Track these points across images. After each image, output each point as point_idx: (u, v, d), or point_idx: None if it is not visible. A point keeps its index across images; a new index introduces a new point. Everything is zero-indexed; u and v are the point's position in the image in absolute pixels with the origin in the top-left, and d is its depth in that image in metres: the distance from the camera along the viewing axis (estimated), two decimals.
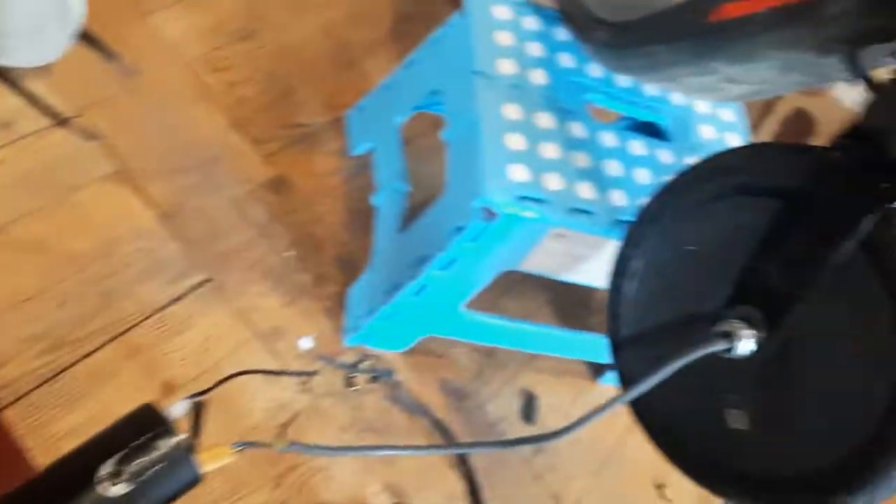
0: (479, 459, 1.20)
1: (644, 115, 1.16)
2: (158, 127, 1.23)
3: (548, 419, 1.30)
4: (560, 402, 1.33)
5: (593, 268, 1.09)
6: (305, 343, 1.00)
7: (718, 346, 0.83)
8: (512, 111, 1.02)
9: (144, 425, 0.78)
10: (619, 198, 1.04)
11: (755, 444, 0.86)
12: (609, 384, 1.36)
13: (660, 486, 1.34)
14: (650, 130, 1.20)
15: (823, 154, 0.79)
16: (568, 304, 1.42)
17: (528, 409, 1.29)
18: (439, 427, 1.19)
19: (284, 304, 1.17)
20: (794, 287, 0.80)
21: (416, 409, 1.18)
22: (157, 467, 0.75)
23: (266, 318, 1.14)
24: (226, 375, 0.90)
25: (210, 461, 0.79)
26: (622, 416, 1.04)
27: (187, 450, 0.76)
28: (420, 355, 1.24)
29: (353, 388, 1.14)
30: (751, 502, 0.88)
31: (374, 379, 1.13)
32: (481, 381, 1.27)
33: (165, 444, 0.76)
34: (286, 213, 1.24)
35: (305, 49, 1.44)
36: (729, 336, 0.84)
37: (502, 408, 1.27)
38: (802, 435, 0.83)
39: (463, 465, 1.18)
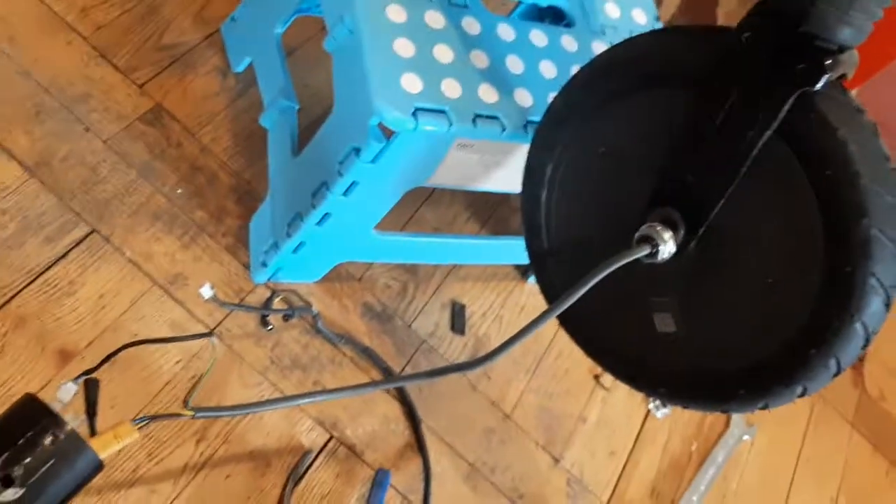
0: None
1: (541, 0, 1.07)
2: (9, 72, 1.08)
3: (480, 327, 1.27)
4: (490, 307, 1.30)
5: (507, 175, 1.03)
6: (206, 292, 0.92)
7: (640, 253, 0.79)
8: (396, 13, 0.92)
9: (28, 418, 0.71)
10: (524, 97, 0.97)
11: (685, 345, 0.84)
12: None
13: (597, 376, 1.34)
14: (551, 15, 1.11)
15: (733, 36, 0.72)
16: (487, 206, 1.37)
17: (457, 320, 1.25)
18: (367, 353, 1.14)
19: (181, 246, 1.08)
20: (713, 183, 0.75)
21: (340, 338, 1.12)
22: (48, 465, 0.68)
23: (163, 264, 1.06)
24: (118, 347, 0.84)
25: (110, 443, 0.73)
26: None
27: (77, 439, 0.69)
28: (337, 282, 1.17)
29: (269, 327, 1.08)
30: (684, 401, 0.86)
31: (290, 317, 1.07)
32: (405, 300, 1.22)
33: (53, 437, 0.69)
34: (169, 147, 1.13)
35: None
36: (650, 240, 0.80)
37: (430, 323, 1.23)
38: (731, 331, 0.81)
39: (396, 387, 1.15)
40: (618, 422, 1.32)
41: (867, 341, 0.75)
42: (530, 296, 1.34)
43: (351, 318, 1.16)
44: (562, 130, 0.86)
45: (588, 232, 0.88)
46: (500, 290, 1.32)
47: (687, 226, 0.78)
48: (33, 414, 0.70)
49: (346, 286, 1.18)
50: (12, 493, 0.66)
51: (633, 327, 0.87)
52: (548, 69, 1.00)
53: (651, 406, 1.35)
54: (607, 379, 1.34)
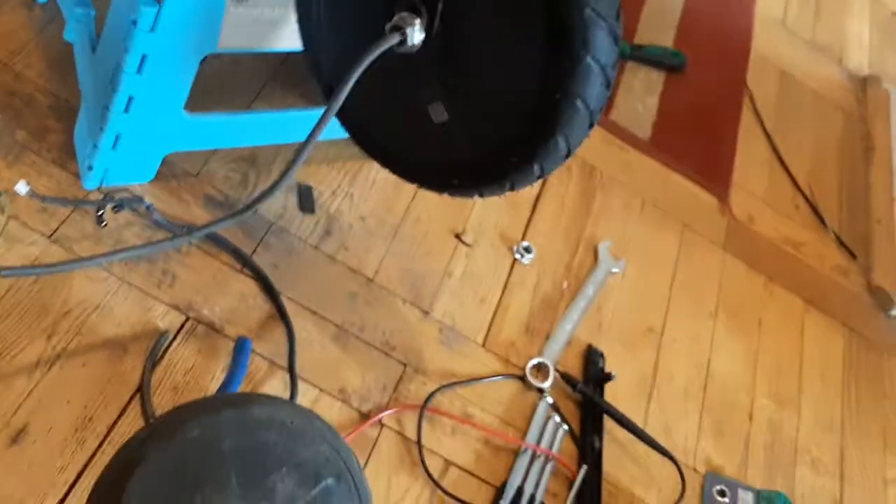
0: (265, 258, 1.20)
1: None
2: None
3: (330, 205, 1.31)
4: (339, 186, 1.34)
5: (294, 29, 1.07)
6: (21, 188, 0.95)
7: (392, 41, 0.84)
8: None
9: None
10: None
11: (459, 130, 0.89)
12: None
13: (458, 235, 1.39)
14: None
15: None
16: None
17: (305, 200, 1.29)
18: (212, 238, 1.17)
19: (5, 165, 1.10)
20: None
21: (182, 228, 1.16)
22: None
23: None
24: None
25: None
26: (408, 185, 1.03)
27: None
28: (173, 179, 1.21)
29: (104, 224, 1.11)
30: (474, 188, 0.91)
31: (119, 208, 1.10)
32: (247, 188, 1.26)
33: None
34: None
35: None
36: (399, 29, 0.84)
37: (277, 206, 1.27)
38: (490, 107, 0.86)
39: (248, 266, 1.19)
40: (484, 273, 1.37)
41: (606, 77, 0.81)
42: (381, 171, 1.38)
43: (192, 210, 1.20)
44: None
45: (354, 38, 0.92)
46: (346, 169, 1.36)
47: (427, 7, 0.83)
48: None
49: (184, 182, 1.21)
50: None
51: (416, 128, 0.91)
52: None
53: (516, 255, 1.41)
54: (469, 236, 1.39)
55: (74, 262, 0.95)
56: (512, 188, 0.91)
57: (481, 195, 0.94)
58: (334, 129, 1.33)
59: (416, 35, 0.84)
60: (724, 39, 2.01)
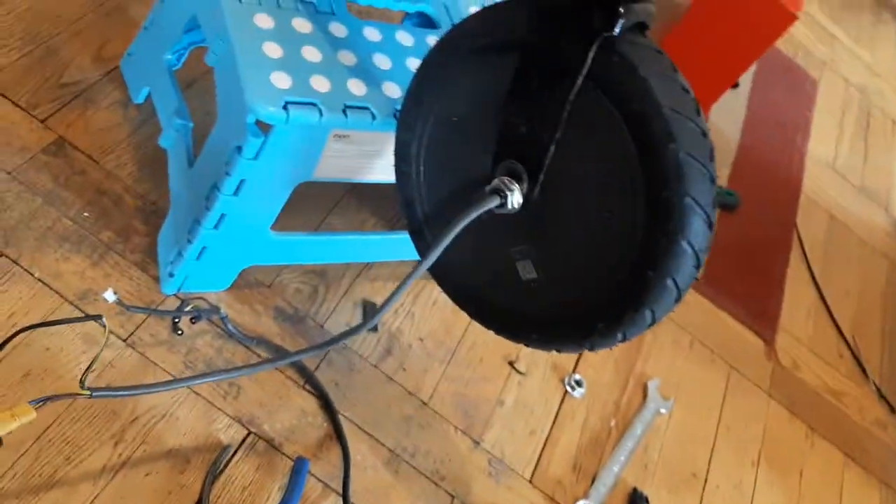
0: (327, 374, 1.22)
1: (408, 6, 1.16)
2: None
3: (392, 324, 1.33)
4: (401, 304, 1.36)
5: (388, 163, 1.11)
6: (109, 296, 0.97)
7: (491, 204, 0.87)
8: (264, 21, 1.01)
9: None
10: (392, 89, 1.05)
11: (547, 288, 0.92)
12: None
13: (511, 362, 1.40)
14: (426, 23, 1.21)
15: (541, 2, 0.82)
16: (394, 209, 1.44)
17: (370, 317, 1.31)
18: (280, 353, 1.19)
19: (90, 264, 1.13)
20: (542, 132, 0.84)
21: (252, 340, 1.18)
22: None
23: (72, 281, 1.11)
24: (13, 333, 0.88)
25: (8, 421, 0.77)
26: None
27: None
28: (246, 289, 1.23)
29: (180, 332, 1.13)
30: (553, 344, 0.93)
31: (197, 318, 1.12)
32: (316, 302, 1.28)
33: None
34: (73, 175, 1.19)
35: (60, 4, 1.36)
36: (499, 192, 0.88)
37: (342, 322, 1.29)
38: (583, 269, 0.89)
39: (311, 383, 1.20)
40: (535, 403, 1.37)
41: (698, 260, 0.83)
42: (442, 292, 1.40)
43: (263, 321, 1.22)
44: (419, 109, 0.95)
45: (451, 198, 0.95)
46: (410, 288, 1.38)
47: (529, 174, 0.87)
48: None
49: (256, 292, 1.24)
50: None
51: (501, 279, 0.94)
52: (414, 65, 1.09)
53: (567, 387, 1.42)
54: (522, 364, 1.40)
55: (160, 385, 0.96)
56: (591, 349, 0.93)
57: (559, 351, 0.96)
58: (407, 251, 1.37)
59: (514, 200, 0.87)
60: (777, 180, 2.05)
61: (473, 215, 0.86)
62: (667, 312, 0.88)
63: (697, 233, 0.81)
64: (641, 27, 0.80)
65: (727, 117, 2.06)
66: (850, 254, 2.08)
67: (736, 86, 2.12)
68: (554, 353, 0.97)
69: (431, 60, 0.93)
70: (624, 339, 0.90)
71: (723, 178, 1.94)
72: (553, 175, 0.86)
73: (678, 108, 0.78)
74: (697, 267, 0.84)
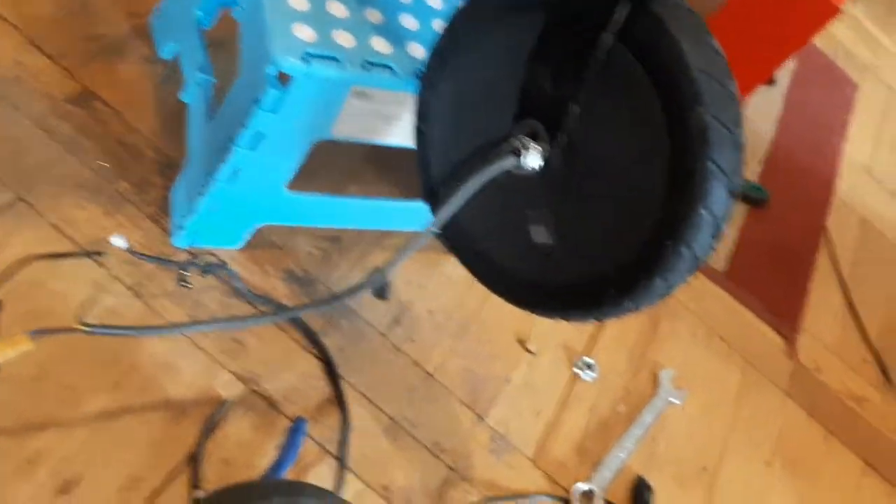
0: (334, 339, 1.21)
1: None
2: None
3: (404, 294, 1.32)
4: (415, 276, 1.35)
5: (406, 126, 1.09)
6: (118, 241, 0.97)
7: (508, 163, 0.85)
8: None
9: None
10: (417, 50, 1.04)
11: (559, 255, 0.89)
12: None
13: (521, 341, 1.38)
14: None
15: None
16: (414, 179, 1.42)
17: (381, 286, 1.30)
18: (287, 313, 1.18)
19: (104, 213, 1.13)
20: (565, 91, 0.82)
21: (260, 298, 1.17)
22: None
23: (86, 228, 1.11)
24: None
25: (4, 350, 0.77)
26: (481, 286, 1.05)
27: None
28: (258, 249, 1.22)
29: (188, 285, 1.12)
30: (563, 311, 0.91)
31: (206, 272, 1.11)
32: (328, 266, 1.27)
33: None
34: (95, 125, 1.20)
35: None
36: (517, 152, 0.86)
37: None
38: (599, 236, 0.86)
39: (316, 345, 1.19)
40: (544, 384, 1.35)
41: (717, 229, 0.81)
42: (457, 266, 1.38)
43: (272, 282, 1.21)
44: (442, 68, 0.94)
45: (469, 159, 0.93)
46: (425, 261, 1.37)
47: (549, 134, 0.84)
48: None
49: (268, 253, 1.23)
50: None
51: (514, 244, 0.92)
52: (441, 27, 1.07)
53: (578, 370, 1.39)
54: (533, 344, 1.38)
55: (154, 329, 0.96)
56: (598, 319, 0.91)
57: (566, 319, 0.93)
58: (423, 221, 1.35)
59: (532, 161, 0.85)
60: (809, 180, 2.00)
61: (490, 174, 0.84)
62: (681, 282, 0.86)
63: (718, 200, 0.78)
64: None
65: (763, 113, 2.02)
66: (882, 260, 2.03)
67: (773, 82, 2.07)
68: (562, 322, 0.95)
69: (458, 19, 0.91)
70: (634, 310, 0.88)
71: (753, 174, 1.90)
72: (574, 137, 0.83)
73: (708, 69, 0.76)
74: (716, 236, 0.82)
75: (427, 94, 0.97)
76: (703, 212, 0.78)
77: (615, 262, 0.85)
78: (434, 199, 0.99)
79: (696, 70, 0.76)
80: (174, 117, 1.26)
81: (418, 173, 1.01)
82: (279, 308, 1.13)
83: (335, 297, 0.91)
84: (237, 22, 1.07)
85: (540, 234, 0.89)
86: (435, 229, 0.89)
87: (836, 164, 2.09)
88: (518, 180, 0.89)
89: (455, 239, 1.00)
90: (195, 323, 1.03)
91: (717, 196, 0.78)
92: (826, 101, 2.21)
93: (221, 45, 1.36)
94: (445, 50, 0.94)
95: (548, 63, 0.83)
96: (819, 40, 2.40)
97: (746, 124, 2.08)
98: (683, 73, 0.76)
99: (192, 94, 1.18)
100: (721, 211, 0.79)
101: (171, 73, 1.30)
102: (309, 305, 1.00)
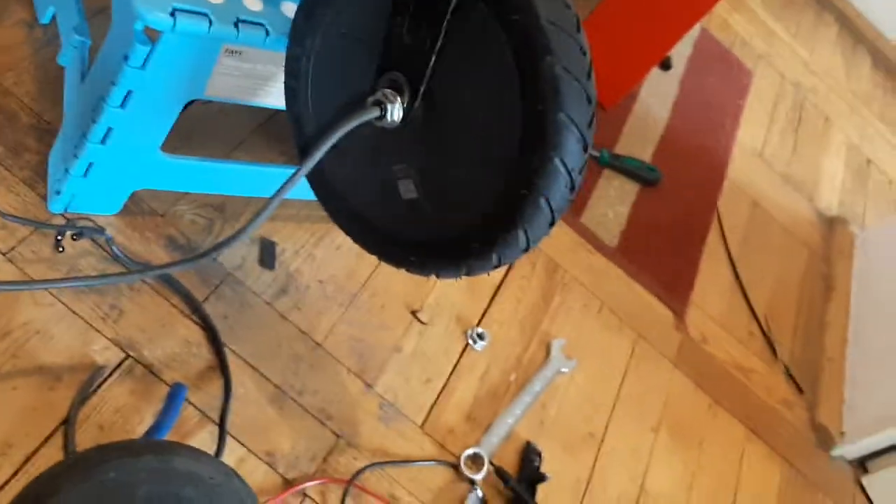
0: (217, 308, 1.20)
1: None
2: None
3: (291, 264, 1.31)
4: (302, 246, 1.34)
5: (282, 89, 1.09)
6: None
7: (369, 115, 0.86)
8: None
9: None
10: (290, 9, 1.04)
11: (426, 209, 0.91)
12: None
13: (414, 311, 1.39)
14: None
15: None
16: None
17: (266, 255, 1.29)
18: (167, 281, 1.17)
19: None
20: (423, 42, 0.83)
21: (138, 265, 1.15)
22: None
23: None
24: None
25: None
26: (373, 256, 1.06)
27: None
28: (139, 216, 1.21)
29: (62, 250, 1.10)
30: (433, 268, 0.92)
31: (79, 236, 1.09)
32: (211, 234, 1.26)
33: None
34: None
35: None
36: (379, 103, 0.87)
37: (237, 256, 1.27)
38: (461, 189, 0.88)
39: (197, 313, 1.18)
40: (435, 353, 1.37)
41: (572, 181, 0.83)
42: (348, 238, 1.39)
43: (152, 248, 1.19)
44: (309, 22, 0.94)
45: (337, 113, 0.94)
46: (313, 231, 1.37)
47: (410, 87, 0.86)
48: None
49: (149, 219, 1.21)
50: None
51: (383, 200, 0.93)
52: None
53: (470, 340, 1.41)
54: (426, 314, 1.39)
55: (20, 284, 0.94)
56: (468, 273, 0.92)
57: (437, 276, 0.95)
58: (307, 190, 1.35)
59: (395, 113, 0.86)
60: (701, 162, 2.07)
61: (351, 125, 0.85)
62: (541, 236, 0.88)
63: (571, 151, 0.81)
64: None
65: (658, 97, 2.08)
66: (770, 240, 2.11)
67: (669, 67, 2.14)
68: (433, 278, 0.96)
69: None
70: (500, 264, 0.90)
71: (647, 155, 1.96)
72: (434, 89, 0.85)
73: (558, 21, 0.78)
74: (571, 189, 0.84)
75: (295, 49, 0.97)
76: (556, 162, 0.81)
77: (478, 215, 0.86)
78: (306, 155, 0.99)
79: (546, 21, 0.78)
80: (53, 83, 1.23)
81: (291, 131, 1.01)
82: (147, 267, 1.11)
83: (202, 254, 0.90)
84: None
85: (407, 189, 0.90)
86: (298, 180, 0.88)
87: (730, 147, 2.17)
88: (386, 136, 0.90)
89: (330, 201, 1.00)
90: (64, 279, 1.01)
91: (571, 148, 0.81)
92: (721, 87, 2.29)
93: (101, 10, 1.34)
94: (311, 3, 0.94)
95: (405, 13, 0.84)
96: (716, 31, 2.49)
97: (641, 106, 2.13)
98: (533, 23, 0.78)
99: (69, 56, 1.16)
100: (574, 163, 0.82)
101: (51, 39, 1.27)
102: (175, 263, 0.99)
